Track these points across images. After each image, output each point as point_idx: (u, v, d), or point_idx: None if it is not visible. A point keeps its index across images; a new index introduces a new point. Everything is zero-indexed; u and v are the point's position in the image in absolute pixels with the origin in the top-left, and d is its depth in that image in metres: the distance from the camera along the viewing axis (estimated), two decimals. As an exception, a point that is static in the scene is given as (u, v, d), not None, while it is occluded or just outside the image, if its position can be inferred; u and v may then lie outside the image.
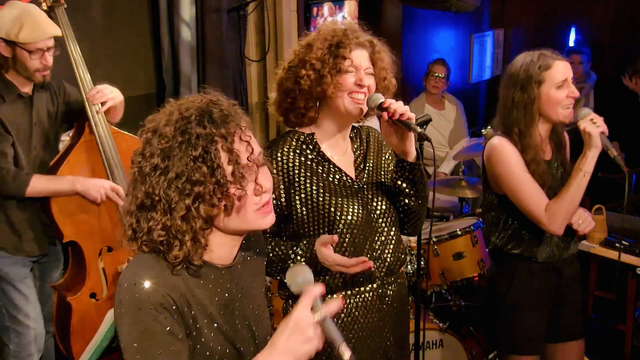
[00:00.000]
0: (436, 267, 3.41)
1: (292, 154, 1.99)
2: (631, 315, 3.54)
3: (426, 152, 4.58)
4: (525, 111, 2.40)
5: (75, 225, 2.81)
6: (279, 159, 1.98)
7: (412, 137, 1.91)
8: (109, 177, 2.82)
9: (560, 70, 2.37)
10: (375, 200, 2.04)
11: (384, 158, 2.14)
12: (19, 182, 2.64)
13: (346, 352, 1.25)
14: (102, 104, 2.82)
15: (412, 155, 1.95)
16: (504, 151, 2.40)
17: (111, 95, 2.84)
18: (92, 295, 2.88)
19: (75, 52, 2.81)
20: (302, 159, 1.99)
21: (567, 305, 2.57)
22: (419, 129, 1.85)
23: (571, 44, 6.03)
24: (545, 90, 2.36)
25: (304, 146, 2.02)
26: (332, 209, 1.96)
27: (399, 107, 1.87)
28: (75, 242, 2.84)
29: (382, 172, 2.11)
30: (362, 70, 1.96)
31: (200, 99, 1.40)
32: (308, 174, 1.98)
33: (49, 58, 2.67)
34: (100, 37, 3.50)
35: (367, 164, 2.08)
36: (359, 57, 1.96)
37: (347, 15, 4.70)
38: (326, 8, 4.52)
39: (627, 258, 3.16)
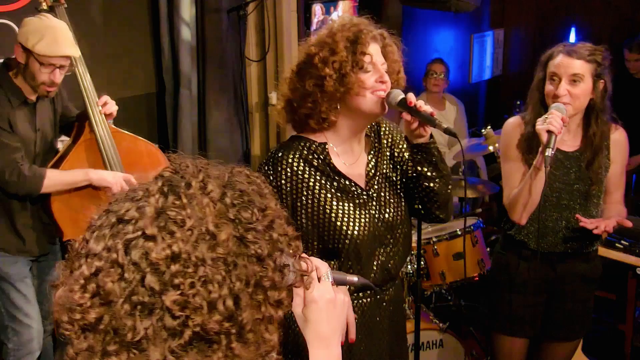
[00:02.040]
0: (436, 267, 3.41)
1: (301, 163, 1.91)
2: (631, 315, 3.54)
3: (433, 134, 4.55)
4: (532, 93, 2.47)
5: (75, 224, 2.81)
6: (288, 166, 1.90)
7: (423, 126, 1.88)
8: None
9: (554, 64, 2.38)
10: (384, 210, 1.98)
11: (397, 150, 2.06)
12: (35, 175, 2.65)
13: (354, 278, 1.29)
14: (108, 115, 2.86)
15: (427, 137, 1.91)
16: (504, 130, 2.57)
17: (115, 107, 2.89)
18: (92, 295, 2.87)
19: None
20: (312, 169, 1.92)
21: (567, 305, 2.57)
22: (444, 125, 1.82)
23: (571, 44, 6.03)
24: (546, 79, 2.41)
25: (314, 155, 1.93)
26: (338, 224, 1.91)
27: (421, 102, 1.84)
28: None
29: (397, 169, 2.04)
30: (380, 65, 1.88)
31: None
32: (316, 185, 1.91)
33: (59, 76, 2.67)
34: (100, 37, 3.50)
35: (378, 168, 2.01)
36: (375, 51, 1.89)
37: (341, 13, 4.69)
38: (317, 7, 4.51)
39: (627, 258, 3.17)
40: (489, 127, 4.24)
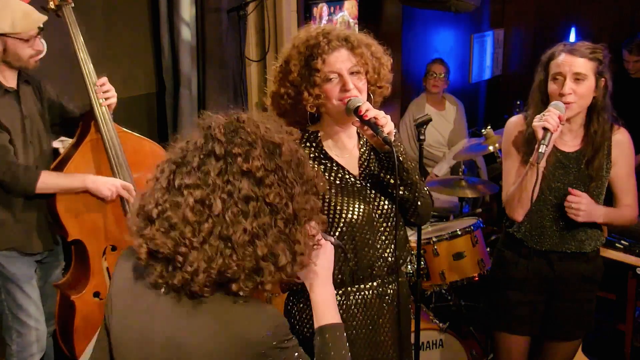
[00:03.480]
0: (436, 267, 3.41)
1: None
2: (631, 315, 3.54)
3: (427, 152, 4.55)
4: (533, 94, 2.48)
5: (80, 224, 2.81)
6: None
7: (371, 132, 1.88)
8: (115, 176, 2.82)
9: (557, 63, 2.38)
10: (378, 198, 2.01)
11: None
12: (29, 176, 2.64)
13: (331, 238, 1.56)
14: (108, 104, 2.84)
15: (387, 146, 1.91)
16: (507, 128, 2.59)
17: (113, 92, 2.85)
18: (96, 294, 2.88)
19: (82, 51, 2.80)
20: None
21: (568, 305, 2.57)
22: (384, 134, 1.82)
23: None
24: (548, 79, 2.41)
25: (307, 143, 2.00)
26: (333, 208, 1.95)
27: (372, 110, 1.84)
28: (80, 241, 2.84)
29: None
30: (346, 72, 1.89)
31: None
32: None
33: (40, 43, 2.69)
34: (100, 37, 3.50)
35: (372, 161, 2.05)
36: (338, 59, 1.89)
37: (346, 15, 4.70)
38: (325, 8, 4.52)
39: (627, 258, 3.17)
40: (489, 127, 4.24)
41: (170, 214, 1.25)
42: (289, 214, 1.27)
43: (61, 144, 3.19)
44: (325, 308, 1.48)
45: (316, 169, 1.93)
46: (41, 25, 2.67)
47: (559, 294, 2.57)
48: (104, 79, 2.84)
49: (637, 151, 2.66)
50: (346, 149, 2.03)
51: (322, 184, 1.37)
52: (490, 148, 4.11)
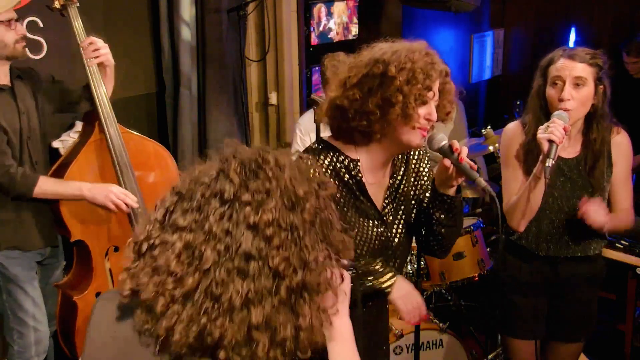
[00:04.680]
0: (436, 267, 3.41)
1: (332, 173, 1.86)
2: (631, 315, 3.54)
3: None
4: (532, 100, 2.43)
5: (83, 225, 2.81)
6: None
7: (461, 178, 1.81)
8: (119, 176, 2.81)
9: (556, 67, 2.33)
10: (393, 234, 1.96)
11: (420, 179, 2.02)
12: (27, 182, 2.64)
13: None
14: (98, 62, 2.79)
15: (454, 189, 1.86)
16: (504, 135, 2.54)
17: (105, 50, 2.80)
18: (98, 295, 2.88)
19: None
20: (340, 182, 1.87)
21: (570, 306, 2.56)
22: (483, 183, 1.73)
23: (571, 44, 6.04)
24: (547, 84, 2.37)
25: (345, 170, 1.87)
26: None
27: (465, 151, 1.74)
28: (83, 242, 2.84)
29: (416, 196, 2.01)
30: (433, 102, 1.78)
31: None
32: (340, 200, 1.86)
33: (21, 27, 2.69)
34: (101, 37, 3.49)
35: (399, 192, 1.97)
36: (436, 88, 1.78)
37: (338, 15, 4.70)
38: (322, 8, 4.52)
39: (627, 258, 3.16)
40: (489, 127, 4.24)
41: (156, 254, 1.08)
42: (297, 283, 1.05)
43: (61, 144, 3.18)
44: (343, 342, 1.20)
45: (344, 196, 1.86)
46: (26, 20, 2.65)
47: (562, 295, 2.55)
48: (92, 38, 2.78)
49: (637, 152, 2.65)
50: (379, 176, 1.94)
51: (348, 251, 1.15)
52: (490, 148, 4.11)
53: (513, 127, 2.51)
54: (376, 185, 1.94)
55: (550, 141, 2.19)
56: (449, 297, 3.85)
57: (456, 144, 1.76)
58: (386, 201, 1.95)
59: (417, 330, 2.88)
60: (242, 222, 1.04)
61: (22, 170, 2.65)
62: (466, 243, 3.42)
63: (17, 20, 2.67)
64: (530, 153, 2.39)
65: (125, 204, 2.73)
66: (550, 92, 2.33)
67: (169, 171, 3.06)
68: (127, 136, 2.89)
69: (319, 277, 1.08)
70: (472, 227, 3.45)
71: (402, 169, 1.98)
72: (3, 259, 2.76)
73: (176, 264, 1.05)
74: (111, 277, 2.91)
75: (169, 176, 3.06)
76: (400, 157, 1.98)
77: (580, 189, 2.43)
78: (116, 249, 2.90)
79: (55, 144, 3.18)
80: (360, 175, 1.87)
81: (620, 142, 2.45)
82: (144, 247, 1.11)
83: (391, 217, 1.96)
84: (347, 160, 1.87)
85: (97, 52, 2.78)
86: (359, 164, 1.87)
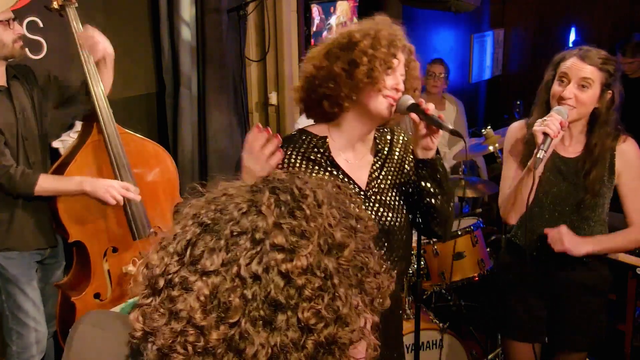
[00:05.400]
0: (436, 267, 3.41)
1: (299, 157, 1.93)
2: (631, 315, 3.54)
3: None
4: (540, 93, 2.45)
5: (81, 225, 2.81)
6: (285, 158, 1.92)
7: (438, 136, 1.88)
8: (117, 177, 2.82)
9: (566, 65, 2.33)
10: (382, 214, 1.96)
11: (407, 162, 2.06)
12: (27, 180, 2.64)
13: None
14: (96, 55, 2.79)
15: (433, 152, 1.92)
16: (508, 132, 2.57)
17: (103, 44, 2.79)
18: (96, 296, 2.88)
19: (86, 52, 2.79)
20: (309, 163, 1.93)
21: (571, 315, 2.53)
22: (450, 127, 1.83)
23: (571, 44, 6.04)
24: (555, 79, 2.37)
25: (315, 149, 1.95)
26: None
27: (431, 105, 1.85)
28: (81, 242, 2.84)
29: (401, 180, 2.04)
30: (399, 75, 1.90)
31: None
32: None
33: (18, 27, 2.69)
34: (100, 37, 3.50)
35: (383, 172, 2.01)
36: (401, 60, 1.91)
37: (340, 15, 4.70)
38: (315, 10, 4.51)
39: (627, 258, 3.16)
40: (489, 127, 4.24)
41: (176, 296, 0.94)
42: (326, 337, 0.92)
43: (62, 144, 3.18)
44: None
45: (316, 175, 1.92)
46: (26, 21, 2.65)
47: (562, 303, 2.53)
48: (89, 30, 2.77)
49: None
50: (358, 156, 1.99)
51: (384, 299, 1.02)
52: (490, 148, 4.11)
53: (517, 125, 2.56)
54: (357, 164, 1.98)
55: (545, 134, 2.20)
56: (449, 297, 3.86)
57: (421, 99, 1.87)
58: (371, 180, 1.98)
59: (417, 330, 2.88)
60: (272, 267, 0.91)
61: (22, 169, 2.66)
62: (466, 243, 3.42)
63: (14, 19, 2.67)
64: (528, 146, 2.41)
65: (127, 199, 2.75)
66: (556, 87, 2.34)
67: (168, 172, 3.06)
68: (127, 137, 2.89)
69: (350, 331, 0.94)
70: (472, 227, 3.45)
71: (386, 149, 2.03)
72: (2, 259, 2.76)
73: (201, 315, 0.91)
74: (109, 278, 2.91)
75: (169, 177, 3.06)
76: (383, 139, 2.05)
77: (575, 190, 2.42)
78: (114, 250, 2.90)
79: (55, 144, 3.17)
80: (328, 150, 1.94)
81: (626, 150, 2.40)
82: (161, 283, 0.96)
83: (375, 197, 1.97)
84: (314, 139, 1.95)
85: (97, 45, 2.77)
86: (326, 140, 1.95)
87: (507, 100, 6.20)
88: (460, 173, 4.19)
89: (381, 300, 1.00)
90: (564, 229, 2.38)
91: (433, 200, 1.96)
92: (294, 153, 1.94)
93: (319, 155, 1.94)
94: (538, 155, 2.19)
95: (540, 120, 2.26)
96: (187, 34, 3.79)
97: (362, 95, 1.88)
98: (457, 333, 3.30)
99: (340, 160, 1.96)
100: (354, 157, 1.98)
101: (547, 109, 2.36)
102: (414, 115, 1.85)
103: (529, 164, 2.30)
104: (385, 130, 2.07)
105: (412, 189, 2.01)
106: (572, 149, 2.43)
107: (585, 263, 2.46)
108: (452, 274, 3.40)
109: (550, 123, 2.20)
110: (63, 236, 2.88)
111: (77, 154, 2.81)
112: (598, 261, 2.50)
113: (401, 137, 2.08)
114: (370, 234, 1.01)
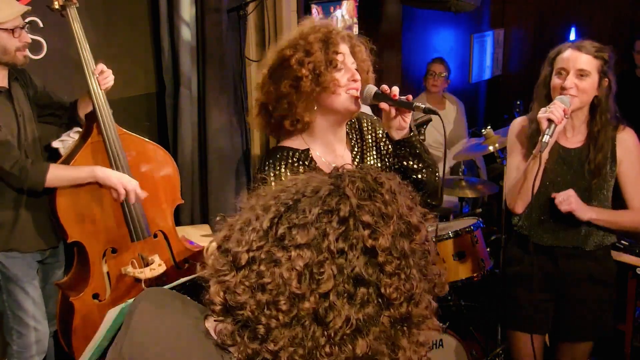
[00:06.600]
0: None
1: (288, 173, 1.94)
2: (631, 315, 3.54)
3: (430, 135, 4.50)
4: (538, 89, 2.50)
5: (80, 226, 2.81)
6: (277, 178, 1.92)
7: (409, 114, 1.91)
8: None
9: (562, 58, 2.40)
10: None
11: (382, 144, 2.10)
12: (38, 169, 2.64)
13: None
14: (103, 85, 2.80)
15: (407, 130, 1.93)
16: (511, 126, 2.65)
17: (111, 76, 2.83)
18: (95, 296, 2.88)
19: (86, 52, 2.79)
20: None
21: (576, 306, 2.56)
22: (422, 105, 1.84)
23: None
24: (552, 74, 2.43)
25: (300, 162, 1.96)
26: None
27: (395, 88, 1.87)
28: (80, 243, 2.84)
29: (383, 160, 2.08)
30: (350, 65, 1.93)
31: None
32: None
33: (25, 35, 2.68)
34: (101, 37, 3.49)
35: (365, 161, 2.05)
36: (345, 51, 1.93)
37: (345, 14, 4.70)
38: (314, 10, 4.51)
39: (627, 258, 3.16)
40: (489, 127, 4.23)
41: (263, 270, 0.99)
42: (401, 314, 0.99)
43: (61, 144, 3.18)
44: None
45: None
46: (26, 21, 2.64)
47: (567, 294, 2.56)
48: (101, 66, 2.80)
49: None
50: (337, 155, 2.02)
51: (443, 286, 1.09)
52: (490, 148, 4.11)
53: (520, 120, 2.63)
54: (340, 163, 1.99)
55: (550, 120, 2.26)
56: (449, 297, 3.85)
57: (384, 87, 1.88)
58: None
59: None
60: (358, 244, 0.98)
61: (31, 160, 2.66)
62: (466, 243, 3.42)
63: (22, 28, 2.65)
64: (532, 138, 2.46)
65: (127, 199, 2.75)
66: (555, 81, 2.41)
67: (168, 173, 3.06)
68: (127, 138, 2.89)
69: (421, 310, 1.02)
70: (472, 227, 3.45)
71: (359, 141, 2.06)
72: (3, 258, 2.77)
73: (296, 285, 0.96)
74: (109, 279, 2.90)
75: (169, 178, 3.06)
76: (353, 130, 2.07)
77: (579, 179, 2.47)
78: (114, 251, 2.90)
79: (55, 144, 3.17)
80: (314, 162, 1.96)
81: (625, 138, 2.49)
82: (244, 258, 1.01)
83: None
84: (297, 153, 1.96)
85: (107, 79, 2.80)
86: (309, 152, 1.97)
87: (507, 100, 6.20)
88: (460, 173, 4.19)
89: (441, 287, 1.07)
90: (571, 191, 2.44)
91: (420, 176, 2.00)
92: (283, 170, 1.94)
93: (305, 169, 1.96)
94: (543, 140, 2.25)
95: (544, 108, 2.32)
96: (187, 34, 3.79)
97: (322, 101, 1.90)
98: (457, 333, 3.30)
99: (325, 167, 1.97)
100: (335, 159, 2.00)
101: (548, 103, 2.40)
102: (383, 104, 1.88)
103: (534, 151, 2.36)
104: (352, 120, 2.09)
105: (394, 170, 2.03)
106: (574, 140, 2.50)
107: (589, 253, 2.52)
108: (452, 274, 3.40)
109: (554, 110, 2.27)
110: (62, 236, 2.88)
111: (77, 154, 2.81)
112: (603, 252, 2.56)
113: (366, 121, 2.11)
114: (427, 227, 1.09)
